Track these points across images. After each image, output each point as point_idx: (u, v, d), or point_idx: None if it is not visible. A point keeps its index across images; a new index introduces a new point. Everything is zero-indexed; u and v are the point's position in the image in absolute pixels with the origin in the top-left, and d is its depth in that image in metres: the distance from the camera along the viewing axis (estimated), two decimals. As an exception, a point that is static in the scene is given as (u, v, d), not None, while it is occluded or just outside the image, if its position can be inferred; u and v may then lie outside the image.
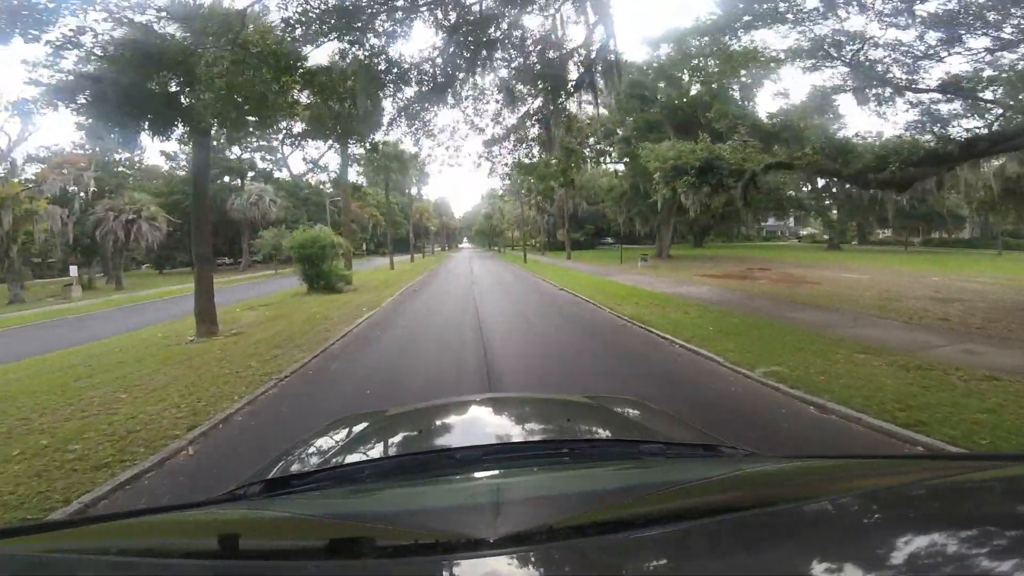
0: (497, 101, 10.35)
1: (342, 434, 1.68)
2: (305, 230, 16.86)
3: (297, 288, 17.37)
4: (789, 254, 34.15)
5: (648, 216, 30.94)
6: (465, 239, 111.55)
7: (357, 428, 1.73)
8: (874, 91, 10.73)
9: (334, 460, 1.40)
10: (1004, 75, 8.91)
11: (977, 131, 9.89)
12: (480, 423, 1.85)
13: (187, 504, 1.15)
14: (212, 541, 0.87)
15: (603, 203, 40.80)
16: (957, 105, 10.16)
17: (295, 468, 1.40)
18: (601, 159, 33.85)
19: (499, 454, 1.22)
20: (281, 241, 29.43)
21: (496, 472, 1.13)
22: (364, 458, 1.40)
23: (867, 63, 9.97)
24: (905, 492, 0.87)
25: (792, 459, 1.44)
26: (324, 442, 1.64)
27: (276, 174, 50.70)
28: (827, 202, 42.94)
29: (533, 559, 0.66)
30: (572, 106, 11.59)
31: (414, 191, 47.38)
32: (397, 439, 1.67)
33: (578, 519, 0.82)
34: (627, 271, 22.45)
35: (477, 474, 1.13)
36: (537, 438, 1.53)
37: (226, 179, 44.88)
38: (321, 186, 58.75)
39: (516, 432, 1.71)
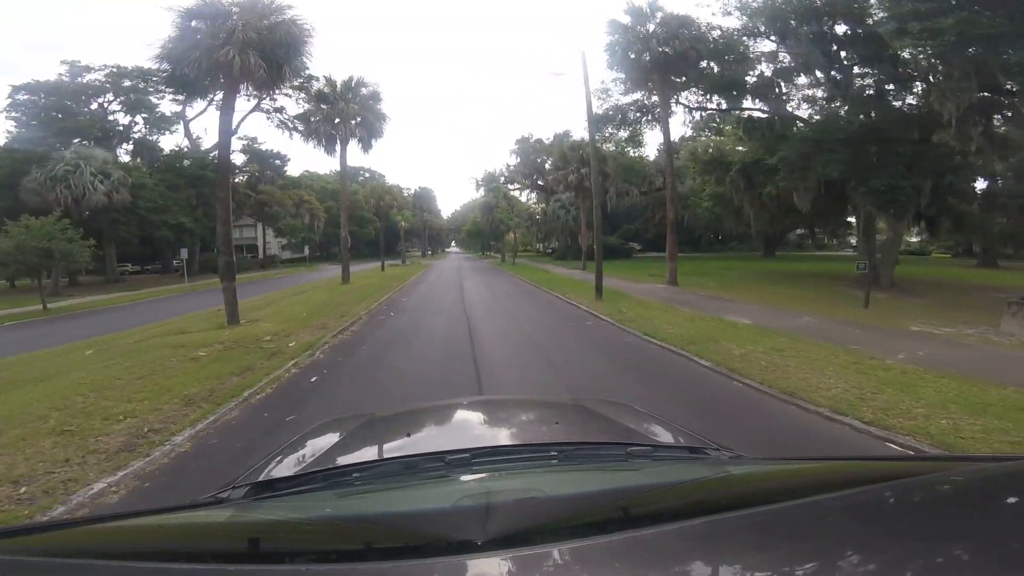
0: None
1: (329, 437, 1.64)
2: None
3: None
4: (976, 275, 22.48)
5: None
6: (453, 243, 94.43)
7: (344, 431, 1.67)
8: None
9: (320, 463, 1.34)
10: None
11: None
12: (469, 425, 1.83)
13: (170, 507, 1.10)
14: (196, 545, 0.87)
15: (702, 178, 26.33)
16: None
17: (281, 471, 1.34)
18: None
19: (488, 456, 1.17)
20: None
21: (484, 475, 1.11)
22: (351, 461, 1.35)
23: None
24: (895, 493, 0.83)
25: (779, 461, 1.44)
26: (311, 445, 1.58)
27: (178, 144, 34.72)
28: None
29: (521, 561, 0.64)
30: None
31: (354, 149, 23.42)
32: (385, 441, 1.62)
33: (566, 521, 0.84)
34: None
35: (465, 476, 1.10)
36: (526, 440, 1.51)
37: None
38: (242, 174, 40.85)
39: (505, 434, 1.69)
